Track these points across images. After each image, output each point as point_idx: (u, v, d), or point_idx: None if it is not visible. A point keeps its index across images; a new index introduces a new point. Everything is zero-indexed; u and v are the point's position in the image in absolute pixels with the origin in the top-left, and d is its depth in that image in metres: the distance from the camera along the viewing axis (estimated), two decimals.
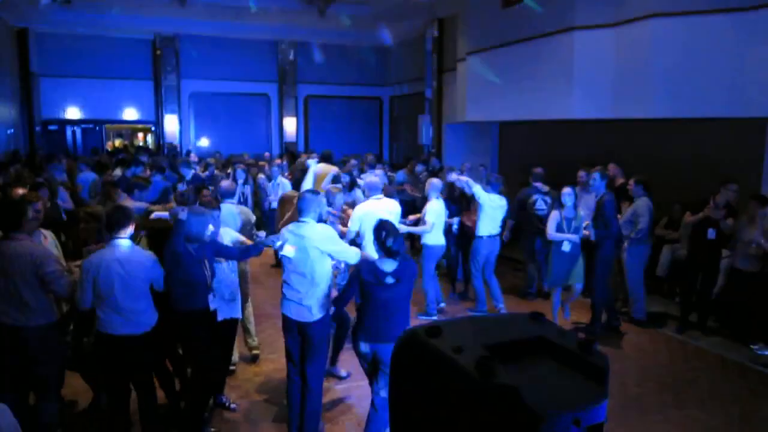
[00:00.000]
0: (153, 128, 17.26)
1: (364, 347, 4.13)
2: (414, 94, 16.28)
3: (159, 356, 4.59)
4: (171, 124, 16.35)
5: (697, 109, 7.57)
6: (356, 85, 17.96)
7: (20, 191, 5.15)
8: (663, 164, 8.69)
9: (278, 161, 11.79)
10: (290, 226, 4.44)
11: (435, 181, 7.33)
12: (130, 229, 4.05)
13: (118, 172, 9.86)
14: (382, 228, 4.13)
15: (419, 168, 10.52)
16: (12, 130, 13.74)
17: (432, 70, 14.71)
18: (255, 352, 6.07)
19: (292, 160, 13.25)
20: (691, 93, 7.58)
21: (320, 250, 4.31)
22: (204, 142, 16.99)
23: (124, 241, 3.99)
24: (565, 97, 9.14)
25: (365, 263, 4.25)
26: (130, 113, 16.62)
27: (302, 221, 4.37)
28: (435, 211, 7.07)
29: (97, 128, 17.14)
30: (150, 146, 17.54)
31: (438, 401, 1.75)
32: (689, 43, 7.59)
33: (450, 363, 1.67)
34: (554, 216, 6.59)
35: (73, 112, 16.09)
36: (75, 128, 16.75)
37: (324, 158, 10.74)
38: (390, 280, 4.04)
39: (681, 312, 7.09)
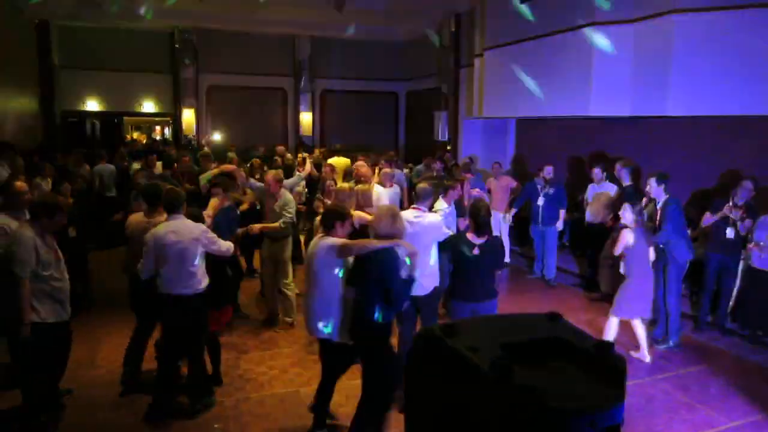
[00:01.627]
0: (171, 121, 17.36)
1: (461, 306, 4.91)
2: (430, 90, 16.21)
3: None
4: (188, 117, 16.44)
5: (716, 107, 7.46)
6: (372, 80, 17.92)
7: (19, 183, 5.24)
8: (681, 162, 8.59)
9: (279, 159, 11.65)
10: (408, 213, 5.13)
11: (387, 170, 8.01)
12: (183, 209, 4.70)
13: (136, 165, 9.97)
14: (478, 207, 4.98)
15: (438, 165, 10.48)
16: (33, 122, 13.89)
17: (449, 66, 14.63)
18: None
19: (309, 154, 13.28)
20: (710, 90, 7.47)
21: (432, 234, 5.02)
22: (220, 136, 17.06)
23: (179, 217, 4.62)
24: (583, 94, 9.05)
25: (459, 236, 5.12)
26: (149, 106, 16.74)
27: (418, 208, 5.19)
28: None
29: (116, 120, 17.29)
30: (168, 139, 17.68)
31: (453, 400, 1.74)
32: (709, 40, 7.47)
33: (466, 362, 1.66)
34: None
35: (92, 104, 16.23)
36: (94, 120, 16.91)
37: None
38: (477, 251, 4.83)
39: (698, 311, 7.02)
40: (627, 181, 7.71)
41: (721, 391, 5.43)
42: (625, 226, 5.84)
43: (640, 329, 5.91)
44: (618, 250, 5.83)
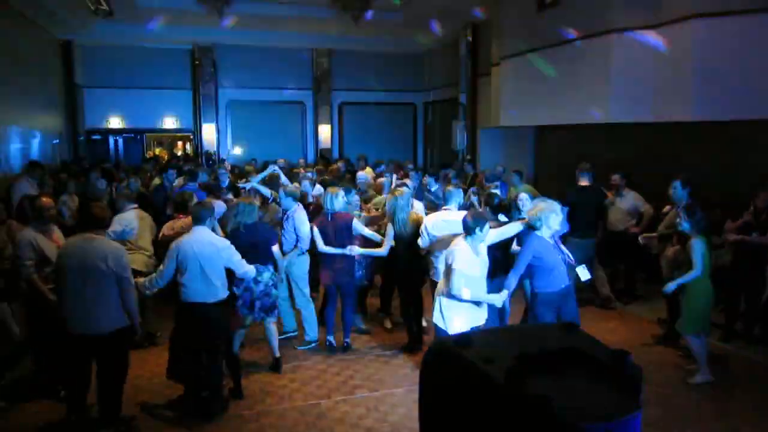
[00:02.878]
0: (192, 136, 17.60)
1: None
2: (448, 100, 16.22)
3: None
4: (209, 132, 16.62)
5: (739, 111, 7.34)
6: (390, 92, 17.97)
7: (45, 199, 5.37)
8: (704, 167, 8.46)
9: (302, 170, 11.61)
10: (439, 214, 5.96)
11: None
12: (208, 221, 4.98)
13: (157, 181, 10.12)
14: (491, 196, 6.32)
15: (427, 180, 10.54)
16: (57, 141, 14.17)
17: (466, 75, 14.63)
18: None
19: (326, 166, 13.34)
20: (733, 94, 7.37)
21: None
22: (240, 150, 17.23)
23: (202, 229, 4.89)
24: (603, 100, 8.98)
25: None
26: (170, 122, 16.97)
27: (447, 209, 5.98)
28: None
29: (138, 137, 17.57)
30: (189, 154, 17.90)
31: (469, 411, 1.72)
32: (731, 44, 7.38)
33: (479, 373, 1.65)
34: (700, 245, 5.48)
35: (115, 122, 16.52)
36: (117, 137, 17.21)
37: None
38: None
39: (726, 320, 6.86)
40: (585, 183, 7.90)
41: (748, 400, 5.30)
42: (686, 235, 5.59)
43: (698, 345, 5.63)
44: (698, 262, 5.40)
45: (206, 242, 4.83)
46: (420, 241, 5.97)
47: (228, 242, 4.99)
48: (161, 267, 4.90)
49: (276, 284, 5.70)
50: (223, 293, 4.94)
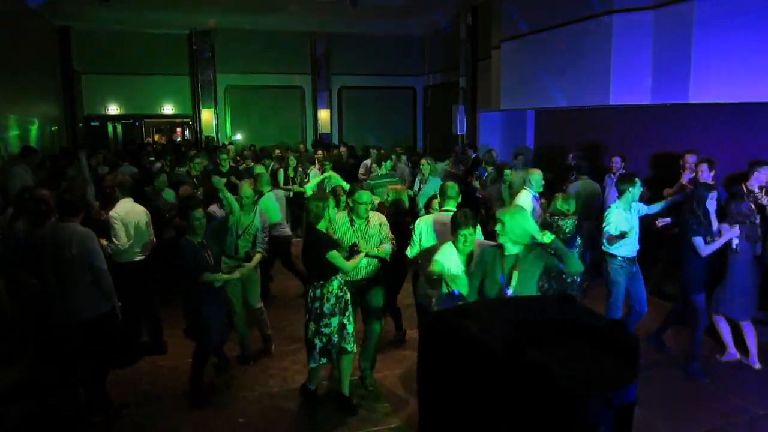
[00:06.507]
0: (190, 122, 17.55)
1: None
2: (448, 84, 16.15)
3: None
4: (207, 117, 16.59)
5: (740, 94, 7.31)
6: (389, 76, 17.90)
7: (42, 191, 5.37)
8: (707, 151, 8.43)
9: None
10: (439, 215, 5.15)
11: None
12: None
13: (158, 165, 10.12)
14: None
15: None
16: (56, 127, 14.14)
17: (466, 59, 14.55)
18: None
19: (327, 151, 13.32)
20: (734, 76, 7.31)
21: None
22: (240, 135, 17.20)
23: (129, 200, 5.64)
24: (603, 83, 8.93)
25: None
26: (168, 108, 16.92)
27: (447, 209, 5.10)
28: None
29: (137, 123, 17.51)
30: (189, 140, 17.88)
31: (466, 381, 1.74)
32: (731, 25, 7.32)
33: (478, 343, 1.65)
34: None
35: (113, 108, 16.47)
36: (116, 124, 17.15)
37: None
38: None
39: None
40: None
41: (752, 379, 5.32)
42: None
43: None
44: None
45: (139, 210, 5.67)
46: (408, 251, 5.12)
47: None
48: (121, 237, 5.42)
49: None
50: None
